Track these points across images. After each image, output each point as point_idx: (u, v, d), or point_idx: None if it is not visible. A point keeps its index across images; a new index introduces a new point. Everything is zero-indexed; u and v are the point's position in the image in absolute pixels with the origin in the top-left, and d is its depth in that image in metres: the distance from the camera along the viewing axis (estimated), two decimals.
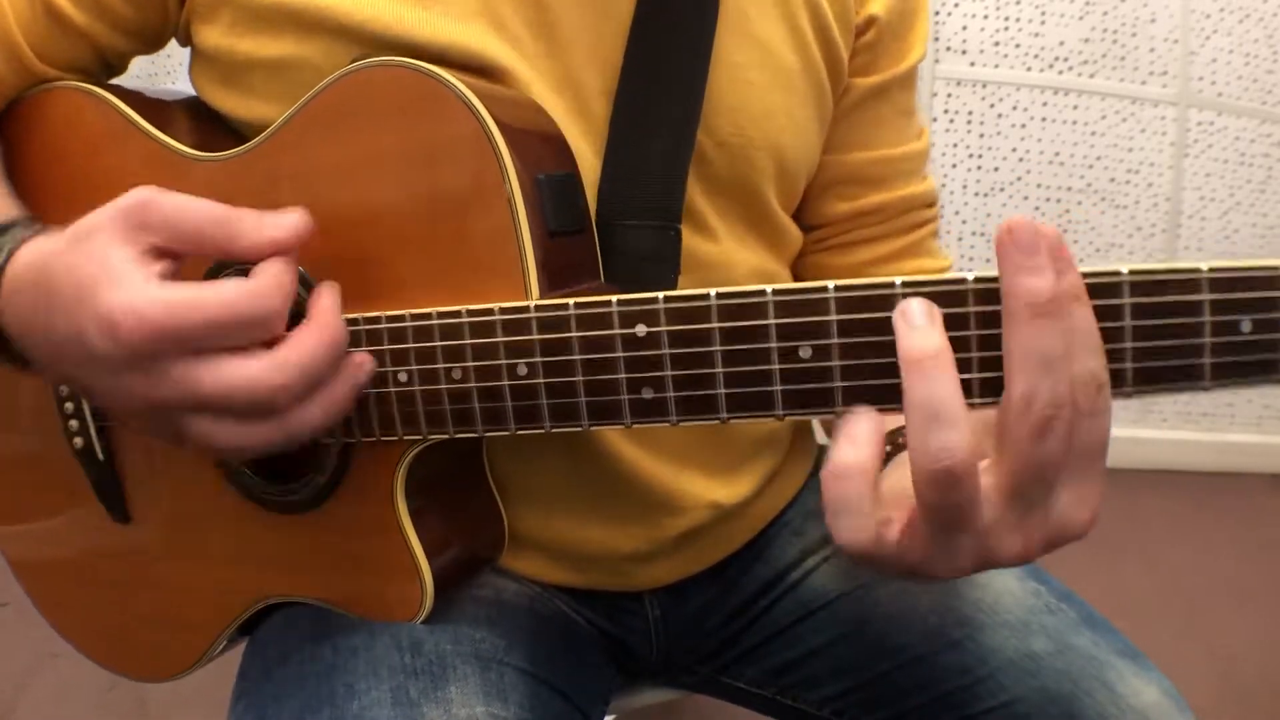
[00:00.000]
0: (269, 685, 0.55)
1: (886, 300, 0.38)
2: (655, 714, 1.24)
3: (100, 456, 0.60)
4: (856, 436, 0.38)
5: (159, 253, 0.42)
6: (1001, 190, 1.99)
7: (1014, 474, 0.37)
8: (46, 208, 0.60)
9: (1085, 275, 0.37)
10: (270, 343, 0.42)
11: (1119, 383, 0.37)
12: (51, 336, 0.44)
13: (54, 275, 0.43)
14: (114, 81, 0.62)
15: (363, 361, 0.46)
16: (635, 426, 0.44)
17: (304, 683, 0.53)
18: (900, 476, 0.39)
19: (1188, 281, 0.36)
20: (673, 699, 0.78)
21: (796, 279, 0.70)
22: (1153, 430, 2.12)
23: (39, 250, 0.46)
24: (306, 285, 0.52)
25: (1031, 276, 0.35)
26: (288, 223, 0.44)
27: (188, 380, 0.41)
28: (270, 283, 0.42)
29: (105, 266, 0.41)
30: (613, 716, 1.02)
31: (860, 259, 0.69)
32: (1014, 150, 1.97)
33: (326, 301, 0.45)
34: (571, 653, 0.63)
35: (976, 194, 1.99)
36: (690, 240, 0.58)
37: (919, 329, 0.37)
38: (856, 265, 0.69)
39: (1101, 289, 0.37)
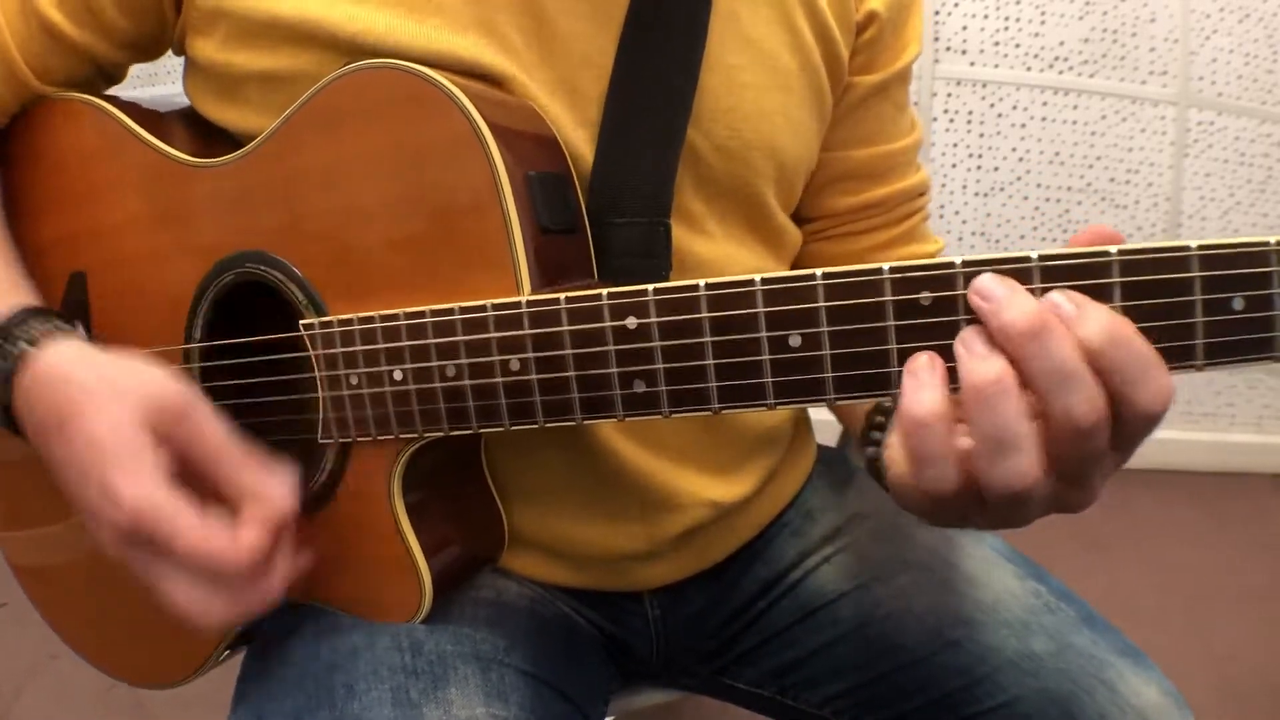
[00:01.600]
0: (269, 685, 0.55)
1: (875, 286, 0.38)
2: (655, 714, 1.24)
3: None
4: (923, 379, 0.38)
5: (172, 450, 0.45)
6: (1001, 190, 1.99)
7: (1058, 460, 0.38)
8: (48, 217, 0.60)
9: (1075, 256, 0.37)
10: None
11: None
12: (53, 449, 0.47)
13: (73, 416, 0.46)
14: (110, 92, 0.62)
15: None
16: (632, 423, 0.44)
17: (303, 683, 0.53)
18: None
19: (1178, 260, 0.36)
20: (673, 699, 0.78)
21: (790, 269, 0.71)
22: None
23: (62, 371, 0.48)
24: (292, 279, 0.52)
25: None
26: (281, 500, 0.46)
27: (154, 574, 0.45)
28: (249, 548, 0.44)
29: (125, 443, 0.44)
30: (613, 717, 1.02)
31: (858, 247, 0.70)
32: (1014, 150, 1.97)
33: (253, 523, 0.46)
34: (572, 653, 0.63)
35: (976, 194, 1.99)
36: (688, 241, 0.58)
37: (979, 355, 0.37)
38: (856, 253, 0.70)
39: (1091, 269, 0.37)
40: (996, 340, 0.36)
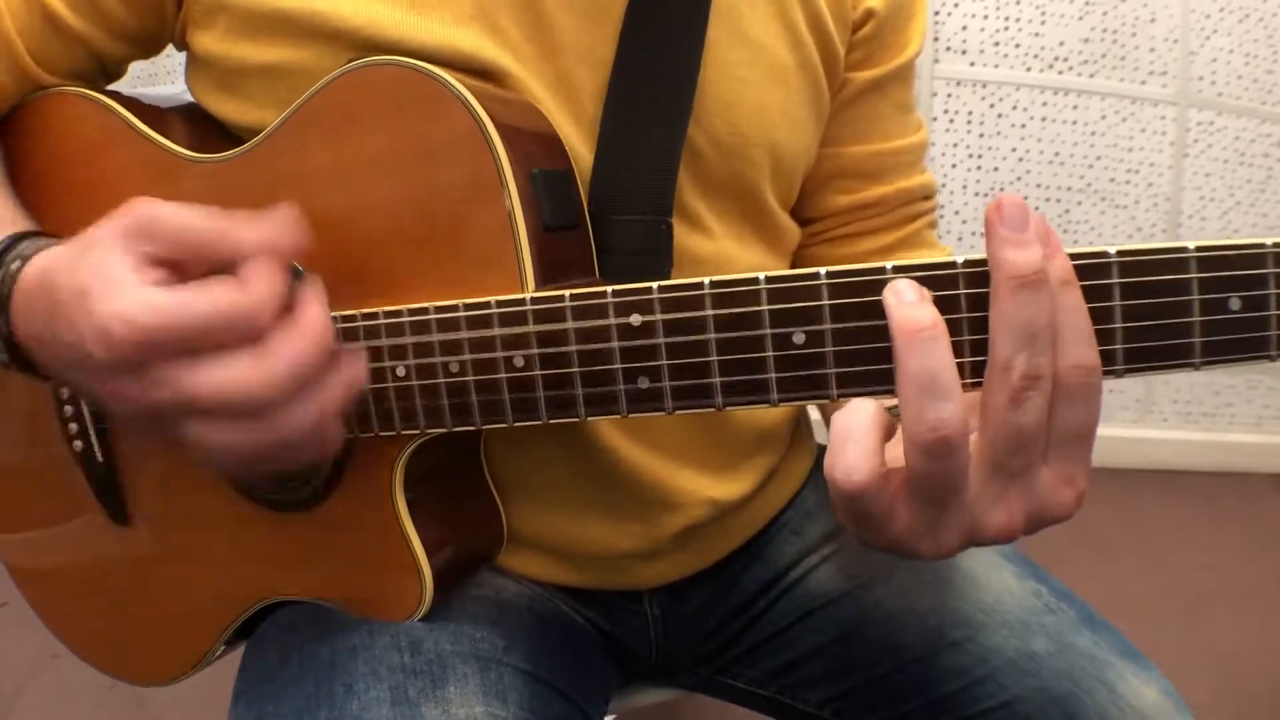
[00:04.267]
0: (268, 685, 0.55)
1: (878, 285, 0.39)
2: (654, 713, 1.24)
3: (99, 459, 0.60)
4: (855, 406, 0.39)
5: (157, 261, 0.42)
6: (1001, 190, 1.99)
7: (991, 442, 0.37)
8: (47, 211, 0.60)
9: (1073, 256, 0.37)
10: (261, 340, 0.42)
11: (1109, 363, 0.38)
12: (56, 344, 0.44)
13: (57, 285, 0.44)
14: (112, 87, 0.62)
15: (355, 360, 0.45)
16: (633, 421, 0.44)
17: (303, 682, 0.53)
18: (894, 450, 0.39)
19: (1175, 260, 0.37)
20: (672, 699, 0.78)
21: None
22: (1153, 430, 2.12)
23: (46, 261, 0.46)
24: (294, 274, 0.52)
25: (1016, 250, 0.36)
26: (282, 224, 0.44)
27: (177, 382, 0.41)
28: (258, 284, 0.42)
29: (103, 275, 0.41)
30: (612, 716, 1.02)
31: (859, 250, 0.70)
32: (1014, 150, 1.97)
33: (312, 301, 0.44)
34: (571, 652, 0.63)
35: (976, 194, 1.99)
36: (687, 239, 0.58)
37: (910, 303, 0.37)
38: (855, 256, 0.70)
39: (1090, 269, 0.37)
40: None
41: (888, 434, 0.39)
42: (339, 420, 0.44)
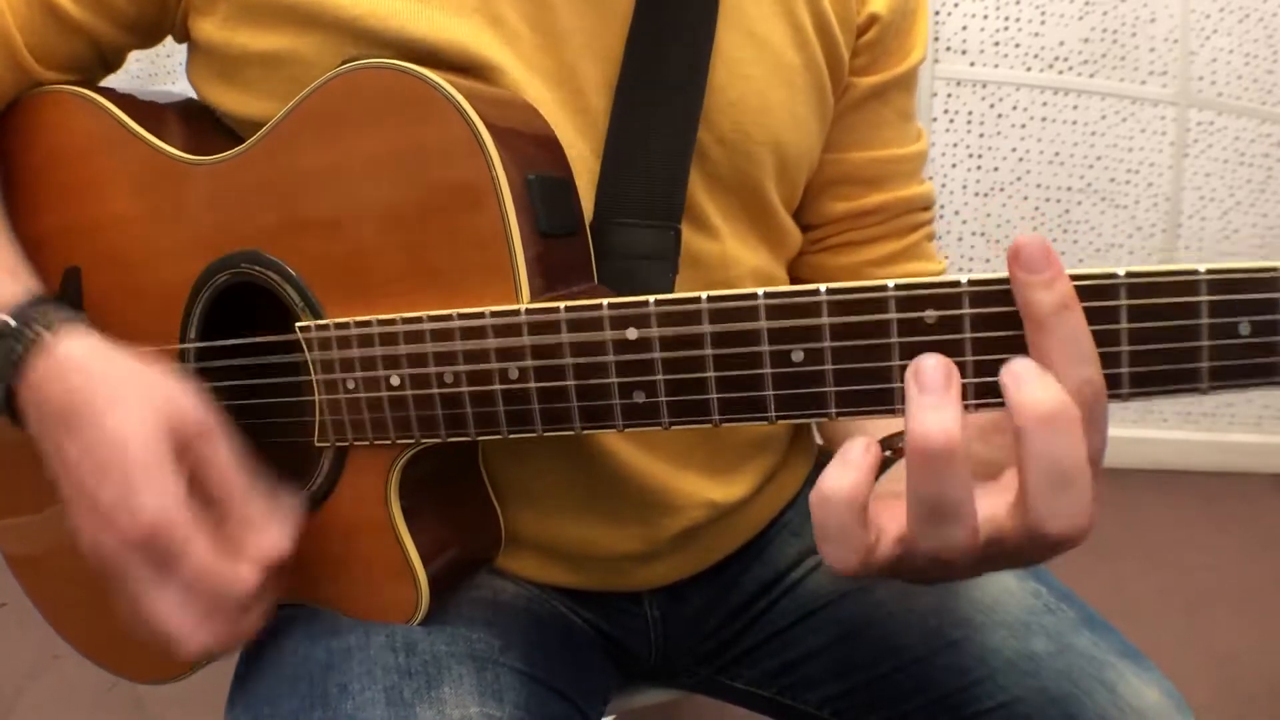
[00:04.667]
0: (264, 686, 0.55)
1: (879, 303, 0.38)
2: (654, 714, 1.24)
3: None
4: (848, 459, 0.38)
5: (185, 466, 0.45)
6: (1001, 190, 1.99)
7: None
8: (42, 212, 0.60)
9: (1082, 277, 0.36)
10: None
11: (1114, 386, 0.37)
12: (62, 450, 0.46)
13: (88, 414, 0.46)
14: (107, 84, 0.62)
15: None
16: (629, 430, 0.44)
17: (298, 683, 0.53)
18: (895, 482, 0.39)
19: (1185, 283, 0.35)
20: (671, 699, 0.78)
21: (793, 280, 0.70)
22: (1153, 430, 2.12)
23: (81, 365, 0.48)
24: (288, 280, 0.51)
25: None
26: (283, 541, 0.47)
27: (135, 576, 0.45)
28: (246, 580, 0.45)
29: (145, 448, 0.44)
30: (611, 717, 1.02)
31: (858, 259, 0.69)
32: (1014, 150, 1.97)
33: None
34: (569, 653, 0.63)
35: (976, 194, 1.99)
36: (691, 238, 0.57)
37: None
38: (854, 266, 0.69)
39: (1098, 291, 0.36)
40: (955, 379, 0.36)
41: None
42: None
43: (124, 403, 0.45)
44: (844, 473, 0.37)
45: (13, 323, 0.49)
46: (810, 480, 0.74)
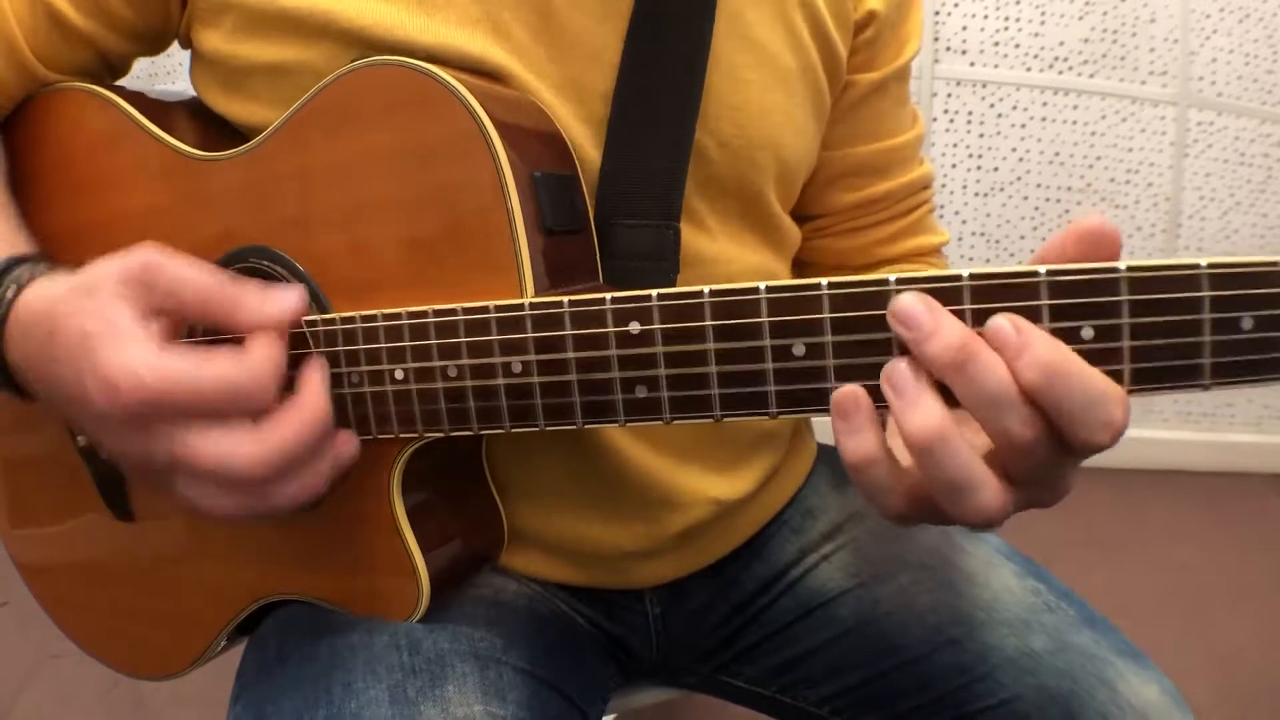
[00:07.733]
0: (267, 684, 0.55)
1: (880, 297, 0.38)
2: (654, 713, 1.24)
3: (104, 454, 0.60)
4: (851, 425, 0.39)
5: (159, 312, 0.43)
6: (1001, 190, 1.99)
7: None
8: (53, 208, 0.60)
9: (1083, 271, 0.36)
10: (261, 418, 0.44)
11: (1116, 382, 0.37)
12: (54, 383, 0.45)
13: (57, 325, 0.44)
14: (117, 83, 0.62)
15: (346, 442, 0.48)
16: (631, 425, 0.44)
17: (301, 681, 0.53)
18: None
19: (1187, 278, 0.35)
20: (672, 698, 0.78)
21: (801, 263, 0.72)
22: (1153, 430, 2.12)
23: (44, 295, 0.47)
24: (295, 275, 0.52)
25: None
26: (288, 303, 0.45)
27: (176, 445, 0.42)
28: (264, 363, 0.43)
29: (108, 324, 0.42)
30: (612, 715, 1.02)
31: (865, 240, 0.71)
32: (1014, 150, 1.97)
33: (314, 381, 0.46)
34: (571, 651, 0.63)
35: (976, 194, 1.99)
36: (690, 238, 0.58)
37: (910, 401, 0.37)
38: (862, 246, 0.71)
39: (1098, 285, 0.36)
40: (924, 369, 0.37)
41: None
42: (326, 489, 0.46)
43: (77, 301, 0.43)
44: (857, 439, 0.39)
45: None
46: (811, 478, 0.74)
